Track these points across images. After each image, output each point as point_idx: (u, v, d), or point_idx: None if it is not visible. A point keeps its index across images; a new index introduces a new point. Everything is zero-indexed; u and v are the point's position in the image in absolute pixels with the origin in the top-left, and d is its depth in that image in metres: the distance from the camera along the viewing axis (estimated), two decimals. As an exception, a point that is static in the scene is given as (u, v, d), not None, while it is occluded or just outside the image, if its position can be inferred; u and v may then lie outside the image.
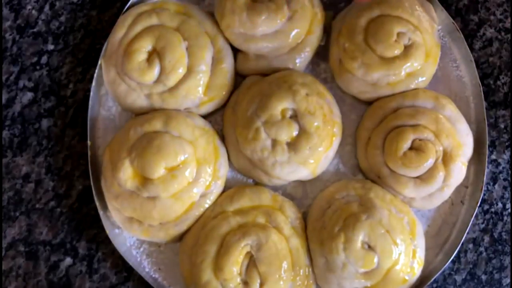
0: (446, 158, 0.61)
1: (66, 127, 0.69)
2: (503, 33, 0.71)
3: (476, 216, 0.66)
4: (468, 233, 0.64)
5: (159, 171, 0.59)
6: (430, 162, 0.61)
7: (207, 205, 0.62)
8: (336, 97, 0.66)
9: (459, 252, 0.65)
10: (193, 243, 0.60)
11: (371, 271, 0.59)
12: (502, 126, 0.69)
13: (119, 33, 0.65)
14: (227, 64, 0.65)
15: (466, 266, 0.66)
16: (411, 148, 0.61)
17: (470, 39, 0.71)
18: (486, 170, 0.64)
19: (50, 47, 0.71)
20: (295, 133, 0.61)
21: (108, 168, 0.62)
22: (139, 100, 0.64)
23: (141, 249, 0.65)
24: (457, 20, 0.71)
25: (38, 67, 0.71)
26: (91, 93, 0.66)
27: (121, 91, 0.64)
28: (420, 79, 0.64)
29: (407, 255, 0.60)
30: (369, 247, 0.59)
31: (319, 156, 0.62)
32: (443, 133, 0.61)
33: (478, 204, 0.63)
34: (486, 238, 0.66)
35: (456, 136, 0.62)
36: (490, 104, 0.69)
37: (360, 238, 0.58)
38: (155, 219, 0.60)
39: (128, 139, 0.61)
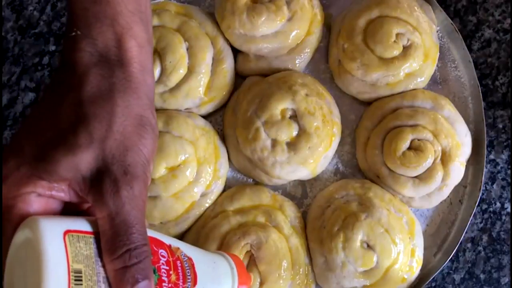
0: (445, 158, 0.62)
1: (67, 127, 0.69)
2: (501, 34, 0.71)
3: (475, 215, 0.66)
4: (466, 232, 0.64)
5: (159, 171, 0.59)
6: (428, 162, 0.61)
7: (207, 205, 0.63)
8: (336, 98, 0.67)
9: (457, 251, 0.65)
10: (193, 242, 0.61)
11: (370, 270, 0.59)
12: (500, 126, 0.69)
13: (120, 34, 0.65)
14: (228, 64, 0.66)
15: (464, 265, 0.66)
16: (410, 148, 0.62)
17: (469, 40, 0.71)
18: (485, 170, 0.64)
19: (52, 47, 0.72)
20: (294, 133, 0.62)
21: (109, 168, 0.62)
22: (140, 100, 0.64)
23: (142, 248, 0.65)
24: (456, 21, 0.71)
25: (39, 68, 0.71)
26: (92, 94, 0.66)
27: (122, 91, 0.64)
28: (419, 80, 0.65)
29: (406, 254, 0.60)
30: (368, 246, 0.59)
31: (319, 156, 0.62)
32: (441, 133, 0.62)
33: (477, 204, 0.63)
34: (485, 238, 0.67)
35: (454, 136, 0.62)
36: (488, 104, 0.70)
37: (359, 237, 0.59)
38: (156, 219, 0.61)
39: (129, 139, 0.61)
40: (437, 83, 0.68)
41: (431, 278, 0.62)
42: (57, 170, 0.37)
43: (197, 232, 0.61)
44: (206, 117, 0.66)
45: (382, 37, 0.63)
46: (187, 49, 0.64)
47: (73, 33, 0.40)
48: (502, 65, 0.71)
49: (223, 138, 0.66)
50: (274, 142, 0.61)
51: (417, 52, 0.64)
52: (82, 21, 0.40)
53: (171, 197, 0.60)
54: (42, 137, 0.38)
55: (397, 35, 0.64)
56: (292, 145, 0.61)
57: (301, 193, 0.66)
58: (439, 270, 0.62)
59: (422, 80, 0.65)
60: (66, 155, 0.37)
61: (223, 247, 0.59)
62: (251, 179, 0.66)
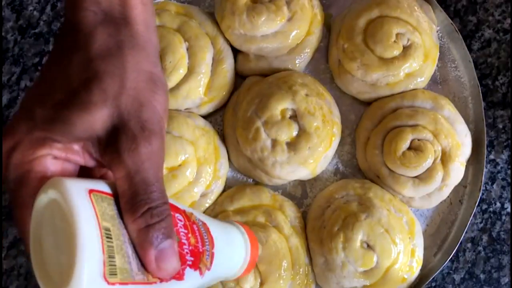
0: (445, 158, 0.62)
1: (67, 127, 0.69)
2: (501, 34, 0.71)
3: (475, 215, 0.66)
4: (466, 232, 0.64)
5: (160, 171, 0.59)
6: (428, 162, 0.61)
7: (207, 205, 0.63)
8: (336, 98, 0.67)
9: (457, 251, 0.65)
10: (193, 242, 0.61)
11: (370, 270, 0.59)
12: (500, 126, 0.69)
13: (120, 34, 0.65)
14: (228, 64, 0.66)
15: (464, 265, 0.66)
16: (410, 148, 0.62)
17: (469, 40, 0.71)
18: (485, 170, 0.64)
19: (52, 47, 0.72)
20: (294, 133, 0.62)
21: (109, 168, 0.62)
22: (140, 100, 0.64)
23: (142, 248, 0.65)
24: (456, 21, 0.71)
25: (39, 68, 0.71)
26: (92, 94, 0.66)
27: (122, 91, 0.64)
28: (419, 80, 0.65)
29: (406, 254, 0.60)
30: (368, 246, 0.59)
31: (319, 156, 0.62)
32: (441, 133, 0.62)
33: (477, 204, 0.64)
34: (485, 238, 0.67)
35: (454, 136, 0.62)
36: (488, 104, 0.70)
37: (359, 237, 0.59)
38: (156, 219, 0.61)
39: (129, 139, 0.61)
40: (437, 83, 0.68)
41: (431, 278, 0.62)
42: (72, 131, 0.36)
43: (197, 232, 0.61)
44: (206, 117, 0.66)
45: (382, 37, 0.63)
46: (187, 49, 0.64)
47: None
48: (502, 65, 0.71)
49: (223, 138, 0.66)
50: (274, 142, 0.61)
51: (417, 52, 0.64)
52: None
53: (171, 197, 0.60)
54: (53, 98, 0.37)
55: (397, 35, 0.64)
56: (292, 145, 0.61)
57: (301, 193, 0.66)
58: (439, 270, 0.62)
59: (422, 80, 0.65)
60: (80, 114, 0.35)
61: (223, 247, 0.59)
62: (251, 179, 0.66)
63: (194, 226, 0.41)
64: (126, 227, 0.35)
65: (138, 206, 0.35)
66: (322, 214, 0.62)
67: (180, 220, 0.39)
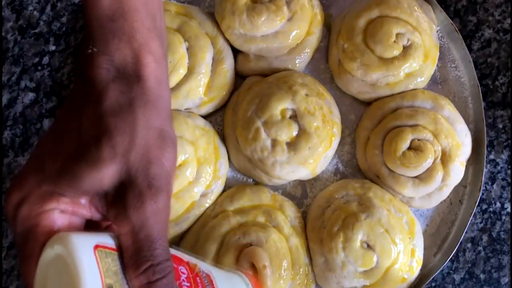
0: (445, 158, 0.62)
1: (67, 127, 0.69)
2: (501, 34, 0.71)
3: (475, 215, 0.66)
4: (466, 232, 0.64)
5: (160, 171, 0.59)
6: (428, 162, 0.61)
7: (207, 205, 0.63)
8: (336, 98, 0.67)
9: (457, 251, 0.65)
10: (193, 243, 0.61)
11: (370, 270, 0.59)
12: (500, 126, 0.69)
13: (120, 34, 0.65)
14: (228, 64, 0.66)
15: (464, 265, 0.66)
16: (410, 148, 0.62)
17: (469, 40, 0.71)
18: (485, 170, 0.64)
19: (52, 47, 0.72)
20: (294, 133, 0.62)
21: (109, 168, 0.62)
22: (140, 100, 0.64)
23: (142, 248, 0.65)
24: (456, 21, 0.71)
25: (39, 68, 0.71)
26: (92, 94, 0.66)
27: (122, 91, 0.64)
28: (419, 80, 0.65)
29: (406, 254, 0.60)
30: (368, 246, 0.59)
31: (319, 156, 0.62)
32: (441, 133, 0.62)
33: (477, 204, 0.64)
34: (485, 238, 0.67)
35: (454, 136, 0.62)
36: (488, 104, 0.70)
37: (359, 237, 0.59)
38: (156, 219, 0.61)
39: (129, 139, 0.61)
40: (437, 83, 0.68)
41: (431, 278, 0.62)
42: (80, 185, 0.37)
43: (197, 232, 0.61)
44: (206, 117, 0.66)
45: (382, 37, 0.63)
46: (187, 49, 0.64)
47: (90, 51, 0.40)
48: (502, 65, 0.71)
49: (223, 138, 0.66)
50: (274, 142, 0.61)
51: (417, 52, 0.64)
52: (99, 37, 0.40)
53: (171, 197, 0.60)
54: (63, 152, 0.38)
55: (397, 35, 0.64)
56: (292, 145, 0.61)
57: (301, 193, 0.66)
58: (439, 270, 0.62)
59: (422, 80, 0.65)
60: (89, 170, 0.36)
61: (223, 247, 0.59)
62: (251, 179, 0.66)
63: (198, 278, 0.41)
64: (128, 283, 0.36)
65: (141, 263, 0.36)
66: (322, 214, 0.62)
67: (183, 273, 0.40)
